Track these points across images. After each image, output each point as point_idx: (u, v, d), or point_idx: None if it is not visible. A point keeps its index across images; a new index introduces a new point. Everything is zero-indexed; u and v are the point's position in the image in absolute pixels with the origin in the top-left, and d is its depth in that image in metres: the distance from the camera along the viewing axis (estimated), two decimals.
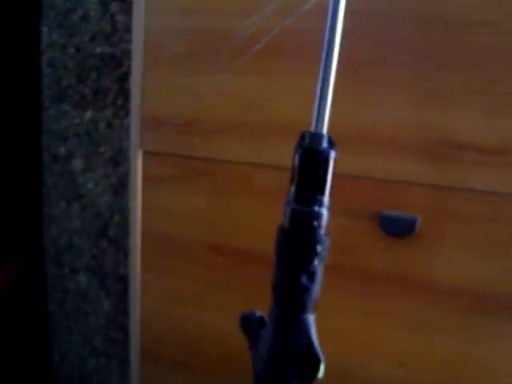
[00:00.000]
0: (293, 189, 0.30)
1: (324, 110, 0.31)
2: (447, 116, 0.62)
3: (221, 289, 0.77)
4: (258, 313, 0.30)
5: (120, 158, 1.18)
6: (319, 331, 0.72)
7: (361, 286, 0.69)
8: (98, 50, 1.13)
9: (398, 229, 0.66)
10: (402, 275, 0.67)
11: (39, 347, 1.30)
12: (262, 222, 0.70)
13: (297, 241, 0.28)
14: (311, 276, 0.28)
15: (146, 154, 0.76)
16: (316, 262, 0.28)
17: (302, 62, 0.65)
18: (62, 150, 1.22)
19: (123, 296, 1.23)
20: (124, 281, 1.21)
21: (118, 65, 1.13)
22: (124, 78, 1.13)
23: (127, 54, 1.10)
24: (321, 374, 0.28)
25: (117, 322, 1.25)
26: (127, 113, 1.13)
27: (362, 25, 0.63)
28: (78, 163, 1.22)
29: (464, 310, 0.66)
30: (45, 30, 1.16)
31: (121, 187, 1.20)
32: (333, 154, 0.29)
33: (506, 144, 0.61)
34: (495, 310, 0.65)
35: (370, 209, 0.67)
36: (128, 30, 1.09)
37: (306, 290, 0.28)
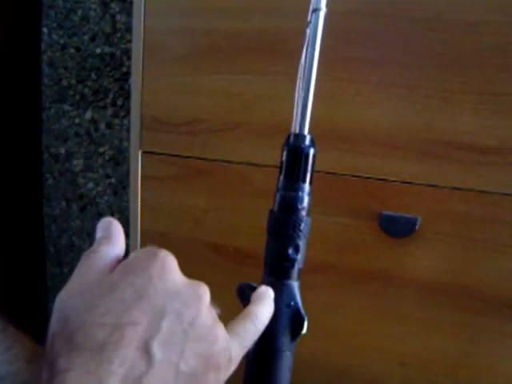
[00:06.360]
0: (281, 178, 0.35)
1: (306, 112, 0.36)
2: (447, 116, 0.62)
3: (221, 289, 0.77)
4: (253, 284, 0.34)
5: (120, 158, 1.18)
6: (319, 330, 0.72)
7: (361, 285, 0.69)
8: (98, 50, 1.13)
9: (397, 229, 0.66)
10: (402, 275, 0.67)
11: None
12: (261, 222, 0.70)
13: (284, 221, 0.34)
14: (296, 249, 0.34)
15: (145, 153, 0.76)
16: (300, 237, 0.34)
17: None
18: (62, 150, 1.22)
19: None
20: None
21: (118, 65, 1.13)
22: (124, 78, 1.13)
23: (127, 53, 1.10)
24: (304, 330, 0.34)
25: None
26: (127, 113, 1.13)
27: (362, 25, 0.63)
28: (77, 163, 1.22)
29: (464, 310, 0.66)
30: (45, 30, 1.16)
31: (121, 187, 1.20)
32: (312, 151, 0.35)
33: (506, 144, 0.61)
34: (495, 309, 0.65)
35: (370, 209, 0.67)
36: (128, 29, 1.09)
37: (293, 261, 0.34)
